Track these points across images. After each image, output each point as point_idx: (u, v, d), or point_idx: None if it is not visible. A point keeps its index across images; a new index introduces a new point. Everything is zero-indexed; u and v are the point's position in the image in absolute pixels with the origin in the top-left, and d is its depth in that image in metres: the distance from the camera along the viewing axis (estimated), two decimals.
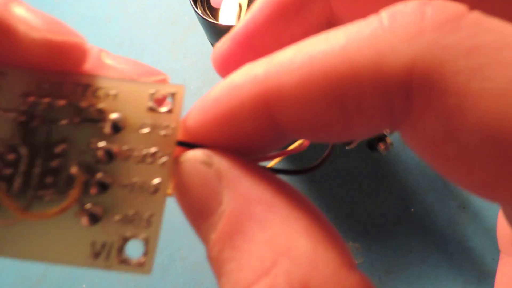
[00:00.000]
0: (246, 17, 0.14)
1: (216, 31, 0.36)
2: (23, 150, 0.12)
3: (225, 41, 0.14)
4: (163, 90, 0.12)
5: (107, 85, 0.12)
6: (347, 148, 0.35)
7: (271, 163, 0.16)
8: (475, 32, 0.08)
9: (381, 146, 0.36)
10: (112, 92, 0.12)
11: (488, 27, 0.08)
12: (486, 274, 0.37)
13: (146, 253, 0.11)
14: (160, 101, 0.12)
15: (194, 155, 0.11)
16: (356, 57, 0.09)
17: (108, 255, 0.11)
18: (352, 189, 0.42)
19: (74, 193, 0.11)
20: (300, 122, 0.10)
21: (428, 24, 0.09)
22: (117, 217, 0.11)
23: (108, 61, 0.14)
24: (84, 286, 0.39)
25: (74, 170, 0.11)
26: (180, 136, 0.12)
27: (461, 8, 0.09)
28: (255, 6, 0.14)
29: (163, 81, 0.14)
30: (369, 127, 0.10)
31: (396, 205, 0.40)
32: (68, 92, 0.12)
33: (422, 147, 0.10)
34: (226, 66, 0.14)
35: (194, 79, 0.49)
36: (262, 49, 0.12)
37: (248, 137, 0.11)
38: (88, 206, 0.11)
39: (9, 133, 0.12)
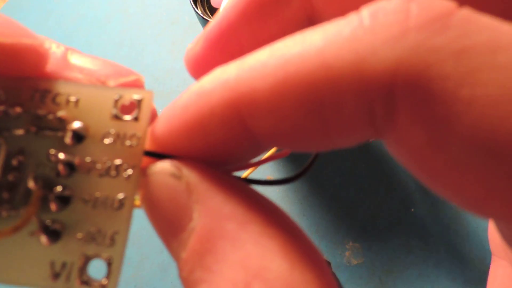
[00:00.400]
0: (219, 14, 0.13)
1: None
2: None
3: (197, 41, 0.13)
4: (128, 96, 0.11)
5: (67, 90, 0.11)
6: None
7: (246, 173, 0.15)
8: (465, 32, 0.07)
9: None
10: (73, 98, 0.11)
11: (480, 26, 0.07)
12: (486, 274, 0.37)
13: (109, 274, 0.10)
14: (127, 108, 0.11)
15: (163, 167, 0.10)
16: (334, 61, 0.08)
17: (68, 276, 0.10)
18: (352, 189, 0.42)
19: (30, 209, 0.10)
20: (274, 131, 0.09)
21: (413, 24, 0.08)
22: (78, 235, 0.10)
23: (75, 61, 0.13)
24: None
25: (31, 184, 0.11)
26: (147, 146, 0.11)
27: (450, 5, 0.08)
28: (229, 2, 0.13)
29: (136, 82, 0.13)
30: (349, 136, 0.09)
31: (396, 205, 0.40)
32: (25, 99, 0.11)
33: (407, 159, 0.09)
34: (200, 68, 0.13)
35: (194, 79, 0.49)
36: (237, 49, 0.11)
37: (219, 147, 0.10)
38: (46, 223, 0.10)
39: None
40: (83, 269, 0.10)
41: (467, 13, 0.08)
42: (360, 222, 0.40)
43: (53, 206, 0.11)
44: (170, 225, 0.10)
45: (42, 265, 0.10)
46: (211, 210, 0.09)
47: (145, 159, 0.11)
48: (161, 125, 0.11)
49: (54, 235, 0.10)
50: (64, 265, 0.10)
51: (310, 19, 0.12)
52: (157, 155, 0.11)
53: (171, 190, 0.10)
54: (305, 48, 0.09)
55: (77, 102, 0.11)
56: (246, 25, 0.12)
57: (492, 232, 0.22)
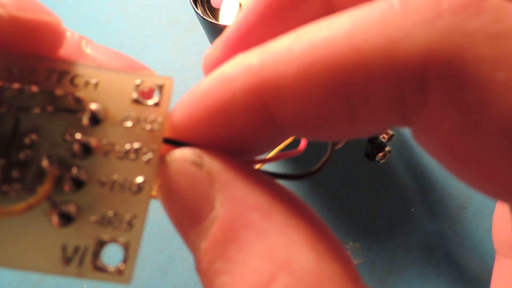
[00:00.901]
0: (238, 17, 0.12)
1: (217, 31, 0.36)
2: None
3: (216, 46, 0.13)
4: (150, 82, 0.11)
5: (87, 72, 0.11)
6: (335, 147, 0.34)
7: (258, 166, 0.15)
8: (499, 17, 0.07)
9: (379, 156, 0.35)
10: (93, 80, 0.11)
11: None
12: (486, 274, 0.37)
13: (126, 260, 0.10)
14: (146, 95, 0.11)
15: (183, 154, 0.10)
16: (364, 44, 0.08)
17: (81, 261, 0.10)
18: (352, 189, 0.42)
19: (44, 188, 0.10)
20: (299, 117, 0.09)
21: (446, 7, 0.08)
22: (93, 218, 0.10)
23: (88, 50, 0.12)
24: (84, 286, 0.39)
25: (45, 163, 0.10)
26: (166, 133, 0.11)
27: None
28: (247, 5, 0.12)
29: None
30: (376, 123, 0.09)
31: (396, 205, 0.40)
32: (41, 79, 0.11)
33: (436, 145, 0.09)
34: None
35: (194, 79, 0.49)
36: None
37: (241, 134, 0.10)
38: (60, 204, 0.10)
39: None
40: (97, 254, 0.10)
41: (498, 0, 0.08)
42: (360, 222, 0.40)
43: (67, 187, 0.10)
44: (189, 215, 0.10)
45: (53, 249, 0.10)
46: (234, 199, 0.09)
47: (163, 147, 0.11)
48: (180, 112, 0.10)
49: (67, 217, 0.10)
50: (76, 249, 0.10)
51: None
52: (176, 143, 0.10)
53: (192, 178, 0.10)
54: (333, 32, 0.08)
55: (96, 84, 0.11)
56: (266, 27, 0.12)
57: (497, 231, 0.22)
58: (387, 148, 0.35)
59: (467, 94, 0.07)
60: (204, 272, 0.09)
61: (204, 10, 0.38)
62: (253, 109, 0.09)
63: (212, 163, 0.10)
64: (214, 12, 0.38)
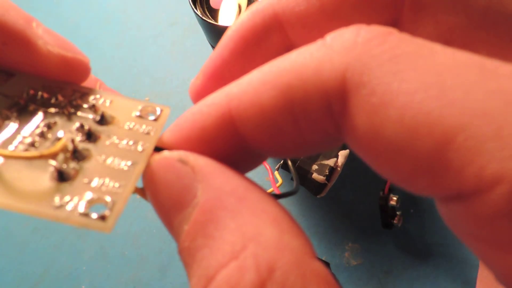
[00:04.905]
0: (213, 53, 0.16)
1: (216, 32, 0.36)
2: (14, 117, 0.13)
3: (198, 77, 0.16)
4: (152, 106, 0.14)
5: (104, 96, 0.14)
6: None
7: None
8: (398, 44, 0.10)
9: (395, 220, 0.37)
10: (108, 101, 0.14)
11: (410, 41, 0.10)
12: None
13: (110, 210, 0.11)
14: (147, 116, 0.14)
15: (170, 153, 0.12)
16: (301, 68, 0.11)
17: (70, 209, 0.11)
18: (351, 189, 0.42)
19: (55, 147, 0.12)
20: (257, 129, 0.12)
21: (359, 39, 0.10)
22: (87, 180, 0.12)
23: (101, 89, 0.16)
24: (83, 286, 0.39)
25: (60, 134, 0.13)
26: (158, 144, 0.13)
27: (391, 29, 0.10)
28: (221, 42, 0.16)
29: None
30: (317, 132, 0.11)
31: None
32: (67, 94, 0.14)
33: (357, 146, 0.11)
34: (201, 98, 0.15)
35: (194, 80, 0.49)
36: (231, 80, 0.13)
37: (215, 148, 0.12)
38: (62, 164, 0.12)
39: (7, 108, 0.13)
40: (85, 207, 0.12)
41: (403, 34, 0.10)
42: (360, 223, 0.40)
43: (71, 155, 0.13)
44: (174, 203, 0.12)
45: (49, 197, 0.12)
46: (213, 187, 0.11)
47: (154, 154, 0.13)
48: (169, 133, 0.13)
49: (65, 176, 0.12)
50: (69, 200, 0.12)
51: (289, 50, 0.14)
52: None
53: (178, 171, 0.12)
54: (282, 62, 0.11)
55: (110, 103, 0.14)
56: (236, 60, 0.15)
57: None
58: (398, 213, 0.38)
59: (372, 101, 0.10)
60: (186, 251, 0.11)
61: (203, 11, 0.38)
62: (225, 128, 0.12)
63: (195, 160, 0.12)
64: (213, 13, 0.38)
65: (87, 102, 0.14)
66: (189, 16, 0.54)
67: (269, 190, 0.16)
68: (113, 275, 0.39)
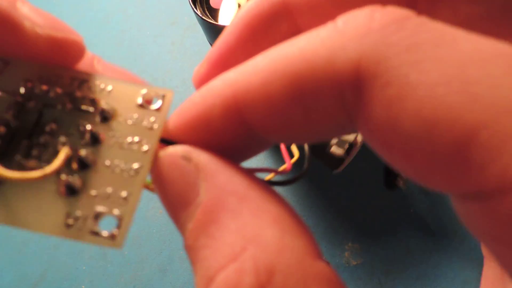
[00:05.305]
0: (219, 40, 0.15)
1: (215, 32, 0.36)
2: (14, 123, 0.13)
3: (202, 64, 0.16)
4: (154, 92, 0.13)
5: (103, 82, 0.13)
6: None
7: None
8: (417, 31, 0.09)
9: (400, 182, 0.37)
10: (107, 88, 0.13)
11: (430, 27, 0.09)
12: None
13: (119, 227, 0.11)
14: (150, 103, 0.13)
15: (175, 150, 0.12)
16: (311, 56, 0.10)
17: (80, 226, 0.11)
18: (351, 189, 0.42)
19: (57, 161, 0.12)
20: (265, 119, 0.11)
21: (375, 25, 0.10)
22: (94, 192, 0.12)
23: (99, 67, 0.15)
24: (83, 287, 0.39)
25: (60, 144, 0.12)
26: (163, 135, 0.13)
27: (409, 12, 0.10)
28: (227, 29, 0.15)
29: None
30: (328, 122, 0.11)
31: (395, 205, 0.40)
32: (65, 84, 0.13)
33: (371, 138, 0.10)
34: None
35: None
36: None
37: (222, 137, 0.12)
38: (67, 177, 0.12)
39: (4, 109, 0.13)
40: (94, 222, 0.12)
41: (422, 18, 0.09)
42: (359, 223, 0.40)
43: (75, 166, 0.12)
44: (179, 201, 0.11)
45: (58, 215, 0.12)
46: (216, 186, 0.11)
47: (159, 146, 0.13)
48: (174, 119, 0.13)
49: (72, 189, 0.12)
50: (78, 217, 0.12)
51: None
52: (170, 142, 0.12)
53: (181, 169, 0.12)
54: (290, 48, 0.11)
55: (110, 91, 0.13)
56: (242, 48, 0.15)
57: None
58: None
59: (388, 93, 0.09)
60: (190, 249, 0.11)
61: (203, 10, 0.38)
62: (229, 113, 0.11)
63: (199, 157, 0.11)
64: (213, 12, 0.38)
65: (86, 93, 0.13)
66: (189, 16, 0.54)
67: (268, 177, 0.15)
68: (113, 275, 0.39)
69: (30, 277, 0.40)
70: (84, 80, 0.13)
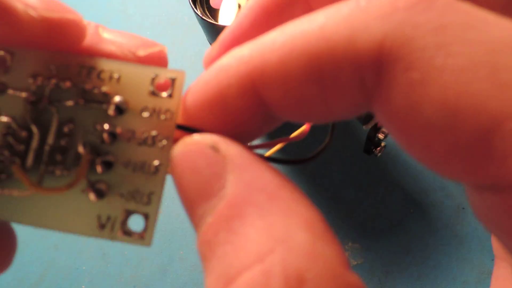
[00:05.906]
0: (232, 23, 0.15)
1: (216, 32, 0.36)
2: (34, 128, 0.13)
3: (214, 47, 0.15)
4: (164, 75, 0.13)
5: (110, 68, 0.13)
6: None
7: (270, 151, 0.16)
8: (444, 12, 0.09)
9: (377, 150, 0.38)
10: (116, 75, 0.13)
11: (458, 9, 0.09)
12: (485, 274, 0.37)
13: (146, 228, 0.12)
14: (161, 86, 0.13)
15: (203, 138, 0.11)
16: (332, 35, 0.10)
17: (112, 227, 0.12)
18: (352, 189, 0.42)
19: (81, 170, 0.12)
20: (282, 98, 0.11)
21: (401, 4, 0.09)
22: (120, 194, 0.12)
23: (106, 35, 0.14)
24: (83, 286, 0.39)
25: (80, 149, 0.12)
26: (180, 120, 0.12)
27: None
28: (241, 12, 0.15)
29: (160, 53, 0.15)
30: (345, 103, 0.10)
31: (395, 205, 0.40)
32: (73, 74, 0.13)
33: (389, 121, 0.10)
34: None
35: (193, 80, 0.49)
36: None
37: (238, 117, 0.11)
38: (94, 182, 0.12)
39: (21, 112, 0.13)
40: (124, 222, 0.12)
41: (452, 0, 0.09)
42: (360, 223, 0.40)
43: (99, 169, 0.12)
44: (201, 191, 0.11)
45: (91, 218, 0.12)
46: (244, 181, 0.10)
47: (177, 133, 0.12)
48: (189, 99, 0.12)
49: (100, 193, 0.12)
50: (108, 218, 0.12)
51: None
52: (188, 129, 0.12)
53: (209, 159, 0.11)
54: (309, 25, 0.10)
55: (119, 79, 0.13)
56: (256, 31, 0.14)
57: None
58: (382, 144, 0.39)
59: (410, 77, 0.09)
60: (206, 244, 0.10)
61: (203, 10, 0.38)
62: (245, 93, 0.11)
63: (228, 148, 0.11)
64: (213, 12, 0.38)
65: (97, 84, 0.13)
66: (189, 16, 0.54)
67: (269, 153, 0.15)
68: (113, 275, 0.39)
69: (30, 277, 0.40)
70: (91, 67, 0.13)
